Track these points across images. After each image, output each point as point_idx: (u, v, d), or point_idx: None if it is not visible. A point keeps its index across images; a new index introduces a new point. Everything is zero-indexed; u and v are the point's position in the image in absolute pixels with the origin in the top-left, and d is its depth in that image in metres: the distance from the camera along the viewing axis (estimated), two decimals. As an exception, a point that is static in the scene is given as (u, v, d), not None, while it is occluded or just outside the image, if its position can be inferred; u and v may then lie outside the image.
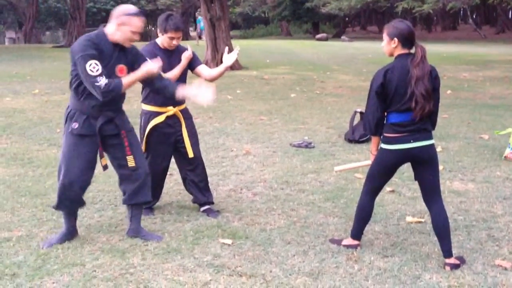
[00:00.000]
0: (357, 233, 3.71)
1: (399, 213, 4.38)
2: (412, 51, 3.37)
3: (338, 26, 47.43)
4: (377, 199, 4.70)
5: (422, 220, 4.19)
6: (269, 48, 25.80)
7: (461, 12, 48.51)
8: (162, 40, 4.27)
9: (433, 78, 3.33)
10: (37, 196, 4.92)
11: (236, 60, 4.07)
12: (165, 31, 4.19)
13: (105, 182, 5.30)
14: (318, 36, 35.55)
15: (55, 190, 5.04)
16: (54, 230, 4.07)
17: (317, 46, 27.54)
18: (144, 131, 4.30)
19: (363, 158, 6.17)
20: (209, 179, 4.58)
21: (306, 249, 3.71)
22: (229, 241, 3.82)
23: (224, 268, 3.41)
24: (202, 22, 30.85)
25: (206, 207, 4.46)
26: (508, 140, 6.13)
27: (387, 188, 5.00)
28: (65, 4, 32.94)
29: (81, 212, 4.49)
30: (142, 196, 3.87)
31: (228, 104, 10.30)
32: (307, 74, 15.18)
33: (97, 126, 3.65)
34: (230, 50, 3.93)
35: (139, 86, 4.24)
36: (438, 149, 6.49)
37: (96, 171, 6.05)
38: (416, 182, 3.51)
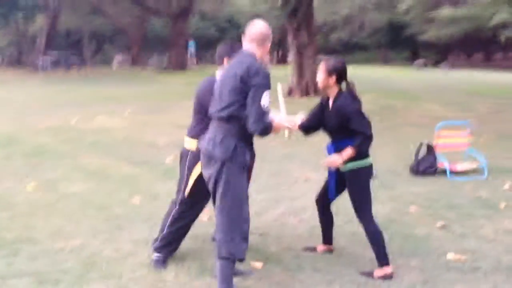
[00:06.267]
0: (386, 258, 3.75)
1: (441, 250, 4.25)
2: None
3: (439, 53, 45.91)
4: (424, 233, 4.64)
5: (463, 257, 4.05)
6: (361, 75, 25.53)
7: None
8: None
9: None
10: (102, 209, 5.32)
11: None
12: None
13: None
14: (416, 62, 34.66)
15: (119, 204, 5.45)
16: (107, 241, 4.39)
17: (412, 73, 26.88)
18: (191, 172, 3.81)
19: (424, 191, 6.03)
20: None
21: (333, 278, 3.73)
22: (259, 265, 3.93)
23: (248, 290, 3.54)
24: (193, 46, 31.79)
25: None
26: None
27: (437, 223, 4.86)
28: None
29: (131, 227, 4.79)
30: None
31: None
32: (392, 102, 14.90)
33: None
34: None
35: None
36: (505, 186, 6.17)
37: (149, 192, 6.33)
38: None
